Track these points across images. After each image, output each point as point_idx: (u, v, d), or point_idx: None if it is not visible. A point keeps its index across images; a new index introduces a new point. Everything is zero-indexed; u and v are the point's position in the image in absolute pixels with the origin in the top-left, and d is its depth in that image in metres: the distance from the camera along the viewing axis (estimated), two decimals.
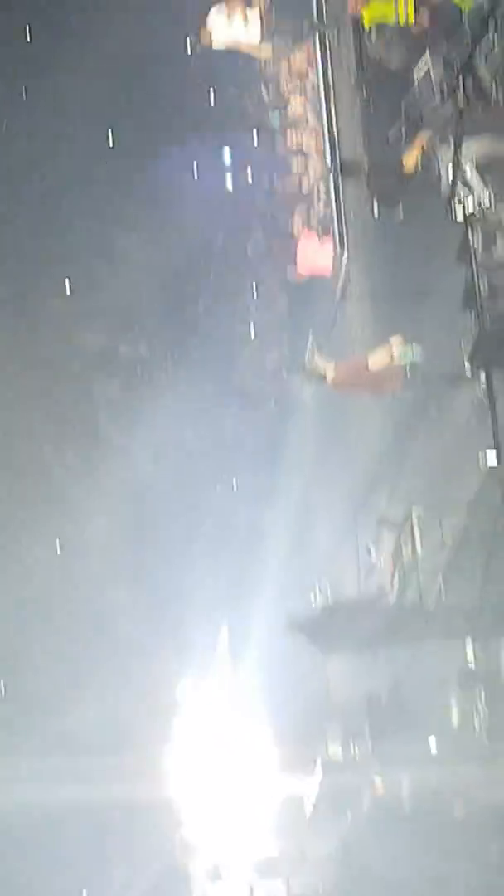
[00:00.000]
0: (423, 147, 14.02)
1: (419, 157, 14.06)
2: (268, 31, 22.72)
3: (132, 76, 26.30)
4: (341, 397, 21.83)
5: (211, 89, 27.03)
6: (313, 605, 19.31)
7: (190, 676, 25.49)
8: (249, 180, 27.04)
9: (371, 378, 15.50)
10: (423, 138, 13.97)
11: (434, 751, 14.88)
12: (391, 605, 15.21)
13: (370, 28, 18.81)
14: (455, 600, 14.88)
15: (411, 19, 18.27)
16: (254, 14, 18.73)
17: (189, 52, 26.12)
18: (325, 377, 15.90)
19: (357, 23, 19.77)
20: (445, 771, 14.53)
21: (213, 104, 26.83)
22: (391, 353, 15.30)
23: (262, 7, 22.44)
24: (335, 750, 17.74)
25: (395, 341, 15.52)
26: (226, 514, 28.05)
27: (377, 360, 15.35)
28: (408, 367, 15.44)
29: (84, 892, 25.19)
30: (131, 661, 27.96)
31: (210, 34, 21.08)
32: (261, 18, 21.83)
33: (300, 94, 25.50)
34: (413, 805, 15.56)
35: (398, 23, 18.35)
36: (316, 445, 19.42)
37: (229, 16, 21.46)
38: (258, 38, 18.11)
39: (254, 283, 27.33)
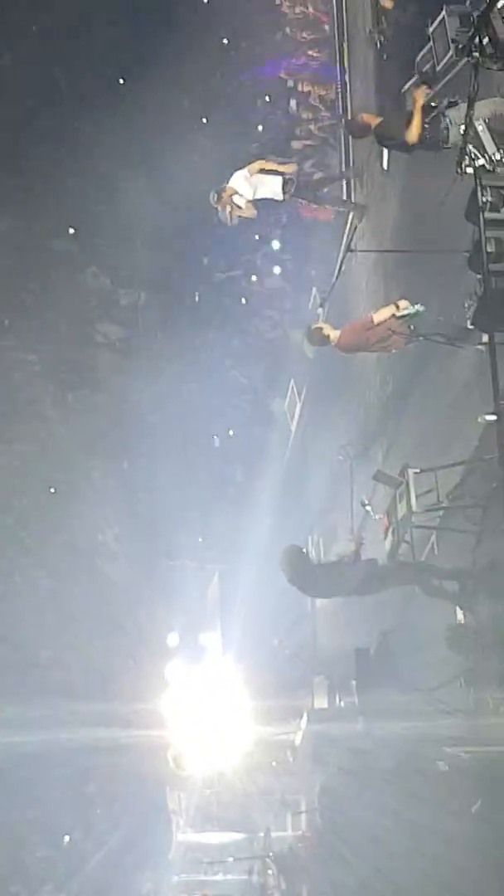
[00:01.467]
0: (423, 108, 13.91)
1: (420, 123, 13.97)
2: None
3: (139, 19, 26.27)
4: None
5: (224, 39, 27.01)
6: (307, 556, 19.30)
7: (180, 625, 25.61)
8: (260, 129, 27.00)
9: (375, 335, 15.47)
10: (420, 99, 13.85)
11: (419, 705, 14.95)
12: (383, 559, 15.23)
13: None
14: (448, 557, 14.93)
15: None
16: None
17: None
18: (329, 339, 15.91)
19: None
20: (430, 724, 14.60)
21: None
22: (395, 310, 15.27)
23: None
24: (321, 702, 17.82)
25: (400, 302, 15.52)
26: (221, 464, 28.12)
27: (381, 314, 15.32)
28: (412, 324, 15.40)
29: (66, 838, 25.43)
30: (122, 606, 28.11)
31: None
32: None
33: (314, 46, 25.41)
34: (396, 757, 15.65)
35: None
36: (315, 400, 19.43)
37: None
38: None
39: (256, 235, 27.29)
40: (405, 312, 15.41)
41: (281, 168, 18.98)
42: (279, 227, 27.18)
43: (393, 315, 15.26)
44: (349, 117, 15.34)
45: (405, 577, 15.15)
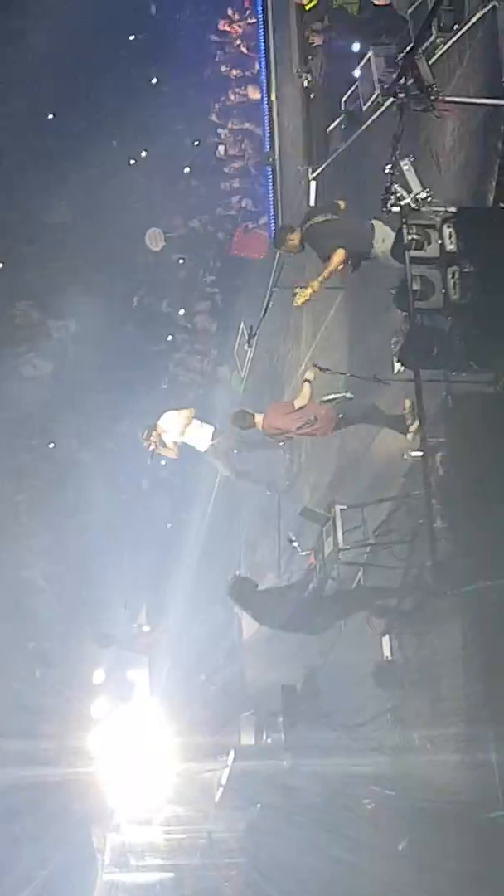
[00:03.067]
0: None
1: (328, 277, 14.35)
2: None
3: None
4: (268, 386, 21.93)
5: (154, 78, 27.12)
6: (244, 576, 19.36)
7: (107, 661, 25.44)
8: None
9: (298, 419, 15.65)
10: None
11: (345, 742, 14.95)
12: (310, 594, 15.25)
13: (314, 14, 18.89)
14: (374, 593, 14.96)
15: (356, 10, 18.39)
16: None
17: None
18: (254, 423, 16.06)
19: (301, 14, 19.84)
20: (356, 761, 14.60)
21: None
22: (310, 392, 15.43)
23: None
24: (247, 738, 17.75)
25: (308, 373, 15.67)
26: (150, 500, 28.04)
27: (302, 397, 15.48)
28: (341, 412, 15.57)
29: None
30: (50, 642, 27.92)
31: None
32: None
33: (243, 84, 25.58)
34: (323, 795, 15.63)
35: (343, 10, 18.48)
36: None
37: None
38: None
39: (181, 259, 27.40)
40: (331, 397, 15.55)
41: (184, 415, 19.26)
42: (209, 264, 27.27)
43: (319, 399, 15.39)
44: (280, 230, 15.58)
45: (336, 608, 15.18)
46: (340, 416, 15.62)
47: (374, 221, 14.30)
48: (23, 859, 24.14)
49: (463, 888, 11.49)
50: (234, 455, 19.69)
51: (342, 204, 15.13)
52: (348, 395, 15.47)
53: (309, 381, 15.59)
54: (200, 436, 19.08)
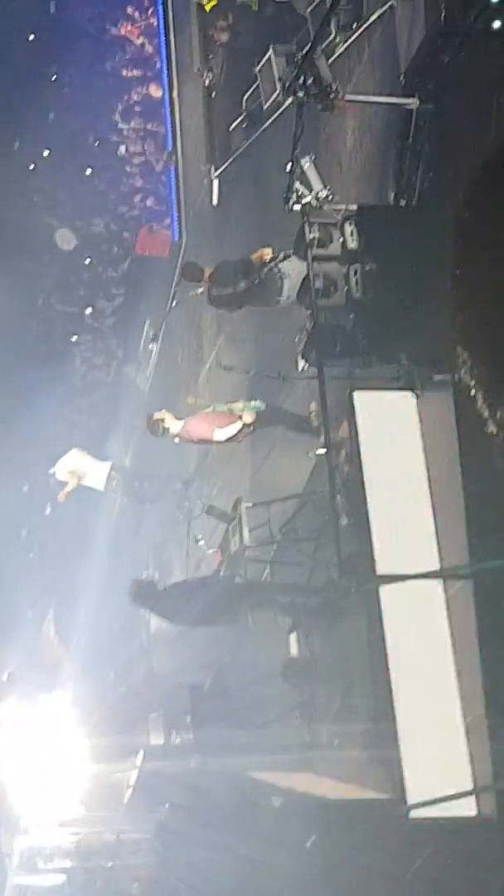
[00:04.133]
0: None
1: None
2: None
3: None
4: (173, 384, 21.91)
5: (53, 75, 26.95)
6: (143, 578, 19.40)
7: (14, 661, 25.22)
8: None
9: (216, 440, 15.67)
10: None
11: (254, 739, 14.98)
12: (216, 592, 15.25)
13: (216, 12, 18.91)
14: (281, 590, 15.00)
15: (255, 7, 18.39)
16: None
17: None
18: (168, 431, 15.99)
19: (202, 10, 19.83)
20: (265, 759, 14.63)
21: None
22: (237, 428, 15.38)
23: None
24: (156, 738, 17.70)
25: (241, 408, 15.62)
26: (54, 504, 27.85)
27: (223, 433, 15.40)
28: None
29: None
30: None
31: None
32: None
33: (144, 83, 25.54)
34: (231, 794, 15.64)
35: (245, 7, 18.49)
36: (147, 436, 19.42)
37: None
38: None
39: (87, 258, 27.30)
40: (252, 406, 15.55)
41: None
42: (112, 263, 27.20)
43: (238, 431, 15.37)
44: (188, 265, 15.58)
45: (244, 602, 15.18)
46: (252, 421, 15.62)
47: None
48: None
49: (371, 882, 11.56)
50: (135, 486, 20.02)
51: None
52: (261, 405, 15.46)
53: (242, 420, 15.49)
54: (97, 476, 19.33)
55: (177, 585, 16.32)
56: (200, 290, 15.19)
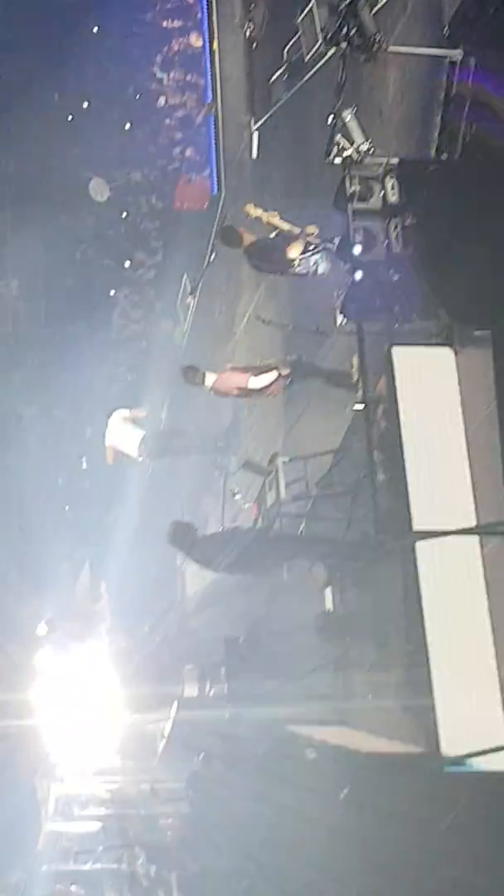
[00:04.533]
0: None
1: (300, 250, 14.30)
2: None
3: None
4: (211, 338, 21.89)
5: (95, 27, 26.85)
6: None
7: (50, 613, 25.46)
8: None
9: (249, 392, 15.66)
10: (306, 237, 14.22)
11: (288, 690, 15.06)
12: (252, 545, 15.29)
13: None
14: (316, 544, 15.02)
15: None
16: None
17: None
18: (204, 383, 16.02)
19: None
20: (300, 710, 14.70)
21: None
22: (272, 377, 15.38)
23: None
24: (191, 689, 17.83)
25: (279, 364, 15.63)
26: (91, 452, 27.97)
27: (258, 381, 15.41)
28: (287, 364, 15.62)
29: None
30: None
31: None
32: None
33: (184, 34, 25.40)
34: (265, 744, 15.73)
35: None
36: (185, 388, 19.47)
37: None
38: None
39: (124, 213, 27.28)
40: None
41: (133, 414, 19.85)
42: (150, 216, 27.17)
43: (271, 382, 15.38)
44: (226, 230, 15.49)
45: (279, 552, 15.23)
46: (285, 373, 15.62)
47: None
48: None
49: (404, 834, 11.61)
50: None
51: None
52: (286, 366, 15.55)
53: (279, 370, 15.53)
54: (132, 441, 19.41)
55: (214, 533, 16.34)
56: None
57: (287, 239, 14.55)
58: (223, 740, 17.17)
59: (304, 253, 14.39)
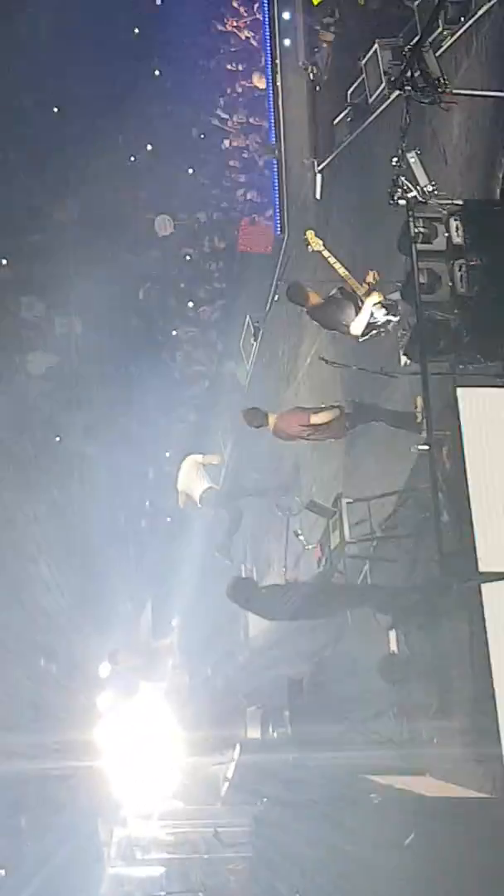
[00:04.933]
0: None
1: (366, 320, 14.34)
2: None
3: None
4: (274, 379, 21.88)
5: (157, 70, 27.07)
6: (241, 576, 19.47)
7: (111, 650, 25.46)
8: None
9: (311, 430, 15.59)
10: (373, 297, 14.21)
11: (352, 735, 14.94)
12: (316, 588, 15.24)
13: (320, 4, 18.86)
14: (380, 586, 14.94)
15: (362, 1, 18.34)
16: None
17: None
18: (266, 424, 15.99)
19: (308, 3, 19.80)
20: (363, 755, 14.59)
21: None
22: (336, 415, 15.35)
23: None
24: (254, 731, 17.75)
25: (340, 406, 15.61)
26: (156, 492, 28.06)
27: (320, 417, 15.38)
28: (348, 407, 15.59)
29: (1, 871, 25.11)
30: (54, 636, 27.92)
31: None
32: None
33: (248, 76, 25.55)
34: (329, 788, 15.62)
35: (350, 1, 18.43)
36: (247, 429, 19.52)
37: None
38: None
39: (187, 255, 27.40)
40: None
41: (207, 460, 19.85)
42: (213, 257, 27.28)
43: (333, 419, 15.35)
44: (293, 287, 15.50)
45: (342, 600, 15.16)
46: (348, 413, 15.57)
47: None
48: (29, 853, 24.19)
49: (470, 882, 11.47)
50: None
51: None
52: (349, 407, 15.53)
53: (341, 408, 15.51)
54: (197, 489, 19.48)
55: (275, 584, 16.31)
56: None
57: (351, 297, 14.52)
58: (287, 785, 17.07)
59: (368, 328, 14.43)
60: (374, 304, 14.31)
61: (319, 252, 14.73)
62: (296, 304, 15.56)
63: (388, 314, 14.33)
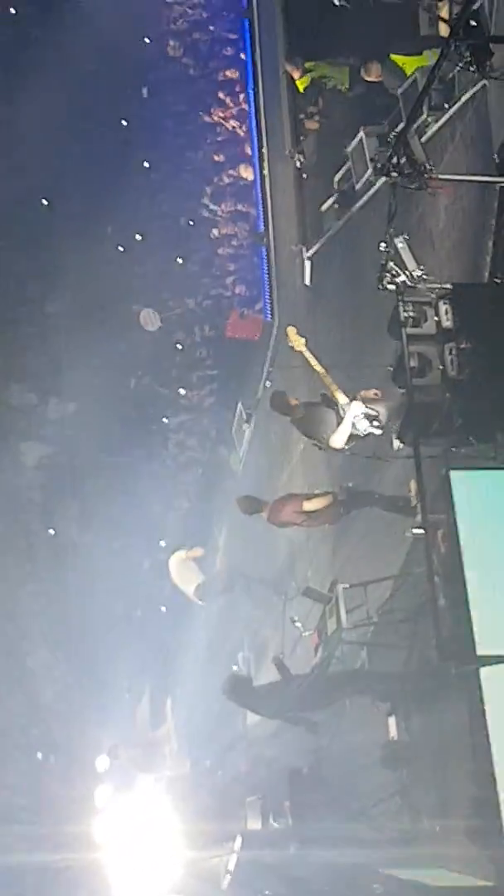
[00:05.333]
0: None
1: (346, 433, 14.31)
2: None
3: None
4: (267, 464, 21.87)
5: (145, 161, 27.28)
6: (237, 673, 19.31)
7: (110, 745, 25.20)
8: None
9: (305, 517, 15.53)
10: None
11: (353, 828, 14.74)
12: (313, 675, 15.12)
13: (305, 93, 19.06)
14: (379, 673, 14.83)
15: (345, 86, 18.53)
16: None
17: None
18: (261, 512, 15.95)
19: (293, 92, 20.00)
20: (365, 849, 14.38)
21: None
22: (329, 500, 15.31)
23: None
24: (254, 822, 17.52)
25: (333, 492, 15.59)
26: (153, 579, 27.91)
27: (313, 504, 15.31)
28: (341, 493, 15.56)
29: None
30: (52, 727, 27.69)
31: None
32: None
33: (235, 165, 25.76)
34: (331, 883, 15.38)
35: (335, 91, 18.62)
36: (241, 516, 19.47)
37: None
38: None
39: (178, 343, 27.47)
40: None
41: (191, 555, 20.27)
42: (204, 344, 27.35)
43: (327, 505, 15.30)
44: (276, 397, 15.36)
45: (341, 687, 15.04)
46: (342, 500, 15.53)
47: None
48: None
49: None
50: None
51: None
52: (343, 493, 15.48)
53: (334, 495, 15.45)
54: (189, 585, 19.52)
55: (271, 681, 16.18)
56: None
57: (333, 405, 14.39)
58: (289, 880, 16.78)
59: (350, 440, 14.36)
60: (356, 416, 14.19)
61: (301, 351, 14.59)
62: (280, 413, 15.38)
63: (370, 425, 14.21)
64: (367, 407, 14.14)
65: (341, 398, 14.23)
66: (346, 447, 14.46)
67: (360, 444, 15.18)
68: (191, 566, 19.61)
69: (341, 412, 14.22)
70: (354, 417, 14.13)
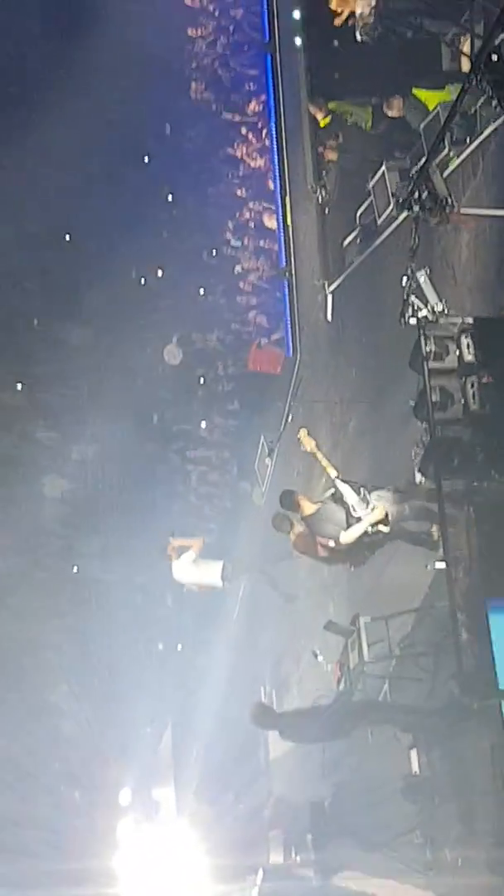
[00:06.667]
0: None
1: None
2: None
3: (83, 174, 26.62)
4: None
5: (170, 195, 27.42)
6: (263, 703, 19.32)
7: (133, 779, 25.24)
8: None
9: (329, 552, 15.36)
10: None
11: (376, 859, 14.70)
12: (336, 709, 15.10)
13: (328, 130, 19.15)
14: (400, 705, 14.81)
15: (368, 126, 18.63)
16: None
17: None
18: (291, 532, 15.75)
19: (315, 130, 20.10)
20: (387, 880, 14.37)
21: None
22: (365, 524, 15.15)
23: None
24: (276, 856, 17.50)
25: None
26: (174, 615, 27.93)
27: (350, 535, 15.03)
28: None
29: None
30: (75, 762, 27.69)
31: None
32: None
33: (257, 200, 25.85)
34: None
35: (357, 127, 18.71)
36: (264, 547, 19.46)
37: None
38: None
39: (200, 377, 27.53)
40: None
41: (188, 543, 20.38)
42: (226, 378, 27.39)
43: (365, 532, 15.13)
44: (286, 494, 15.19)
45: (362, 721, 15.01)
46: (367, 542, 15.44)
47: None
48: None
49: None
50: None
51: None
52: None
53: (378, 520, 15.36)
54: (213, 573, 19.49)
55: (295, 710, 16.18)
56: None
57: (342, 503, 14.33)
58: None
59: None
60: (372, 524, 14.19)
61: (313, 453, 14.56)
62: (286, 510, 15.18)
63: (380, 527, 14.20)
64: (385, 517, 14.10)
65: (349, 494, 14.21)
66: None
67: (383, 478, 15.21)
68: (199, 561, 19.67)
69: (352, 511, 14.17)
70: (370, 525, 14.09)
